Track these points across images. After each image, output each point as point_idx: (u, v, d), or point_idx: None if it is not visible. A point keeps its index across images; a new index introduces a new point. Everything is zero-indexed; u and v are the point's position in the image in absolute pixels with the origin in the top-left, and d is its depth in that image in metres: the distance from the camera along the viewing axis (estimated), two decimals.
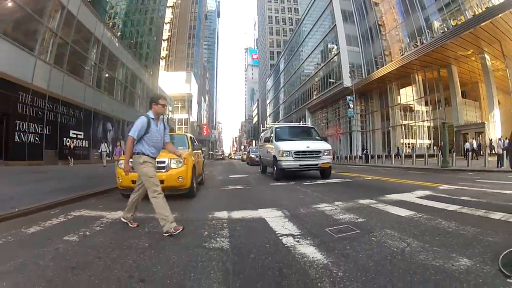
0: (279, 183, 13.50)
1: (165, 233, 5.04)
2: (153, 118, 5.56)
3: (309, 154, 14.73)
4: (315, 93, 73.82)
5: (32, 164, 22.73)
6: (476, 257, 3.60)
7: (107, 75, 39.09)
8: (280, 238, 4.75)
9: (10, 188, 7.51)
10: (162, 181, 8.32)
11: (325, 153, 15.08)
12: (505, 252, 3.51)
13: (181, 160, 8.70)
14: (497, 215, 5.85)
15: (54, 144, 26.87)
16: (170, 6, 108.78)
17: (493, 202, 7.22)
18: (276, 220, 6.06)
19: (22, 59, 23.59)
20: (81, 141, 31.16)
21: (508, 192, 8.68)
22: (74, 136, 29.91)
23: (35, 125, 24.68)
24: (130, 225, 5.76)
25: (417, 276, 3.13)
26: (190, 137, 12.25)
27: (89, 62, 34.47)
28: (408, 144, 49.33)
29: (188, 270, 3.51)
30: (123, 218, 5.90)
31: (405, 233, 4.75)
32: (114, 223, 6.15)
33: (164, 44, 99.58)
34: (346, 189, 10.87)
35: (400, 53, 46.49)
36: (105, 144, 27.76)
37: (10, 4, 22.65)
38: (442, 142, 26.67)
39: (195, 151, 11.56)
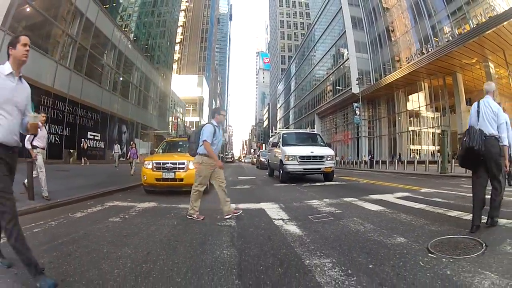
0: (282, 185, 14.83)
1: (188, 215, 6.59)
2: (216, 126, 6.92)
3: (313, 159, 15.67)
4: (324, 98, 74.48)
5: (52, 163, 24.11)
6: (411, 238, 4.88)
7: (122, 79, 40.81)
8: (273, 220, 6.36)
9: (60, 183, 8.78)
10: (181, 179, 9.94)
11: (328, 158, 15.99)
12: (438, 238, 4.79)
13: None
14: (454, 213, 6.94)
15: (73, 145, 28.39)
16: (183, 10, 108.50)
17: (459, 203, 8.37)
18: (273, 210, 7.64)
19: (44, 64, 25.12)
20: (98, 142, 32.65)
21: (462, 193, 9.99)
22: (92, 137, 31.48)
23: (56, 126, 26.28)
24: (233, 213, 6.81)
25: (359, 244, 4.57)
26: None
27: (106, 67, 36.18)
28: (414, 150, 49.77)
29: (207, 235, 5.18)
30: (225, 212, 6.83)
31: (366, 221, 6.17)
32: (146, 210, 7.69)
33: (176, 47, 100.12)
34: (337, 190, 12.20)
35: (407, 60, 47.05)
36: (118, 145, 28.82)
37: (29, 10, 24.18)
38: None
39: None
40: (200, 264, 3.75)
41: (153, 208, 8.03)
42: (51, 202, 8.11)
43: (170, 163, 10.27)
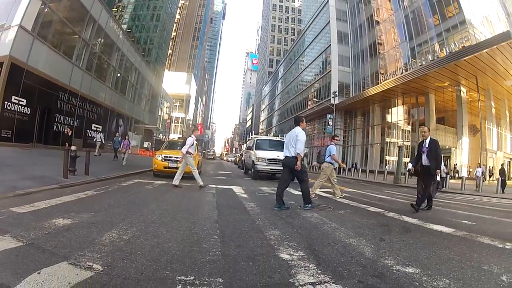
0: (250, 179, 19.64)
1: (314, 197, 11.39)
2: (335, 145, 12.28)
3: (278, 161, 18.41)
4: (306, 105, 78.57)
5: (63, 149, 27.82)
6: (298, 203, 9.49)
7: (122, 78, 45.07)
8: (235, 192, 11.53)
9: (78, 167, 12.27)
10: None
11: None
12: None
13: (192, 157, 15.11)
14: (341, 200, 11.68)
15: (80, 134, 32.53)
16: (178, 7, 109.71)
17: (354, 197, 12.82)
18: (237, 189, 12.70)
19: (64, 65, 29.37)
20: (99, 133, 36.14)
21: (380, 196, 14.40)
22: (95, 129, 35.58)
23: (69, 118, 30.54)
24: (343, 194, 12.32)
25: (272, 202, 9.42)
26: (196, 143, 18.66)
27: (110, 67, 40.53)
28: (385, 160, 52.85)
29: (201, 195, 10.32)
30: (337, 194, 12.25)
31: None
32: (162, 185, 12.54)
33: None
34: None
35: (384, 78, 50.89)
36: (101, 134, 31.55)
37: (52, 16, 28.02)
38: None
39: (198, 153, 18.19)
40: (199, 203, 8.81)
41: (166, 184, 12.88)
42: (100, 177, 12.57)
43: (174, 156, 15.32)
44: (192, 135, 13.28)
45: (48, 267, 3.23)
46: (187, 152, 12.52)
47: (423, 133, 9.76)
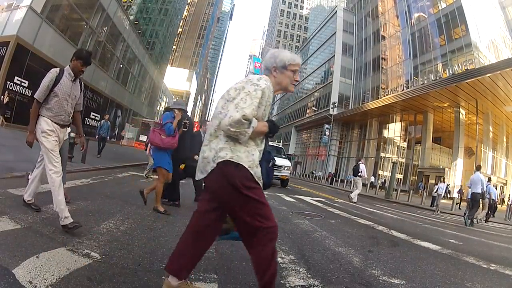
0: None
1: None
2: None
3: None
4: (304, 113, 78.66)
5: None
6: (290, 209, 10.08)
7: (125, 69, 44.77)
8: None
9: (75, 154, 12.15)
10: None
11: (285, 168, 20.18)
12: (302, 211, 9.92)
13: None
14: (331, 209, 11.83)
15: None
16: (187, 3, 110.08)
17: (348, 209, 12.96)
18: None
19: (69, 51, 28.42)
20: (97, 122, 35.99)
21: (370, 209, 14.55)
22: (93, 117, 35.38)
23: None
24: None
25: None
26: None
27: (114, 57, 40.28)
28: (379, 175, 52.52)
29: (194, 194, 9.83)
30: None
31: (277, 202, 11.44)
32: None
33: None
34: (279, 190, 17.19)
35: (384, 93, 51.52)
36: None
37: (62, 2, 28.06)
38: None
39: None
40: (192, 200, 8.81)
41: None
42: (97, 166, 12.62)
43: None
44: (361, 162, 17.24)
45: (46, 252, 3.33)
46: (360, 176, 17.25)
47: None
